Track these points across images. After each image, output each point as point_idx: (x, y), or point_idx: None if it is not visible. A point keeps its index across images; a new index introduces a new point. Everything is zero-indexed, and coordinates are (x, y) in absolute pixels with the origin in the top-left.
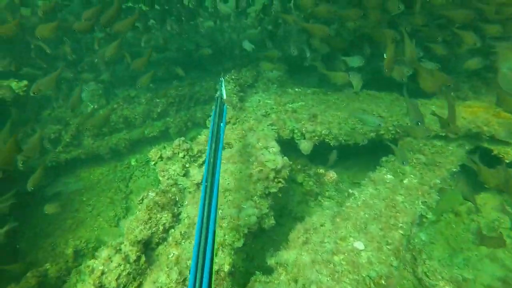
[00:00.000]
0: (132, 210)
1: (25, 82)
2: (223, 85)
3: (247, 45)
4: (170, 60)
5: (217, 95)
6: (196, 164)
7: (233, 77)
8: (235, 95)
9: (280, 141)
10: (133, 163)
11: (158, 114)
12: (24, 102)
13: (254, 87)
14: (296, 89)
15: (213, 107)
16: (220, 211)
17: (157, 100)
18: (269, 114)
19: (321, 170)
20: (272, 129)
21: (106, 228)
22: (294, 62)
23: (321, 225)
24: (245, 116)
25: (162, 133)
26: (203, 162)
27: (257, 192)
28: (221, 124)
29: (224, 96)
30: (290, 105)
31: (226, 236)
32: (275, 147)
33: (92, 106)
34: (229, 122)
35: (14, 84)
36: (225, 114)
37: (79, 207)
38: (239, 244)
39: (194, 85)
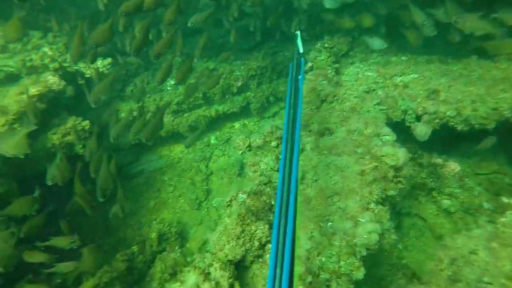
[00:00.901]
0: (212, 193)
1: (109, 60)
2: (299, 38)
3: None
4: (247, 28)
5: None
6: None
7: (326, 45)
8: (329, 67)
9: (389, 124)
10: (212, 141)
11: (238, 88)
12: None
13: (349, 56)
14: (403, 57)
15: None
16: (329, 223)
17: (237, 73)
18: (373, 90)
19: (437, 159)
20: (381, 109)
21: (188, 211)
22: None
23: (471, 252)
24: (344, 94)
25: (243, 108)
26: (301, 151)
27: (373, 197)
28: (299, 77)
29: (301, 50)
30: (399, 78)
31: (341, 261)
32: (389, 135)
33: (171, 82)
34: (325, 100)
35: (99, 62)
36: (303, 67)
37: (161, 187)
38: (359, 274)
39: (276, 55)
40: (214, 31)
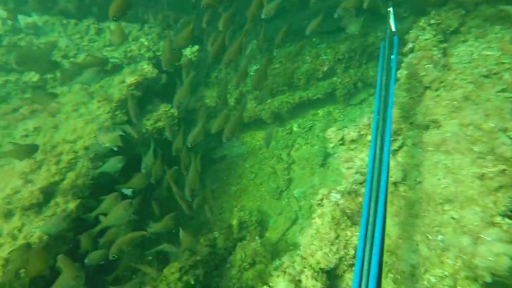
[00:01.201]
0: (294, 183)
1: (196, 47)
2: (391, 15)
3: None
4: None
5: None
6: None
7: (432, 21)
8: (435, 48)
9: None
10: (295, 129)
11: (323, 73)
12: (196, 66)
13: (460, 32)
14: None
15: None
16: (440, 236)
17: (324, 57)
18: (496, 73)
19: None
20: (507, 98)
21: (268, 200)
22: None
23: None
24: (454, 79)
25: (328, 95)
26: (400, 147)
27: (499, 209)
28: (392, 56)
29: (393, 28)
30: None
31: (457, 286)
32: None
33: (255, 67)
34: (429, 87)
35: (188, 50)
36: (396, 46)
37: (243, 173)
38: None
39: (367, 36)
40: (297, 13)
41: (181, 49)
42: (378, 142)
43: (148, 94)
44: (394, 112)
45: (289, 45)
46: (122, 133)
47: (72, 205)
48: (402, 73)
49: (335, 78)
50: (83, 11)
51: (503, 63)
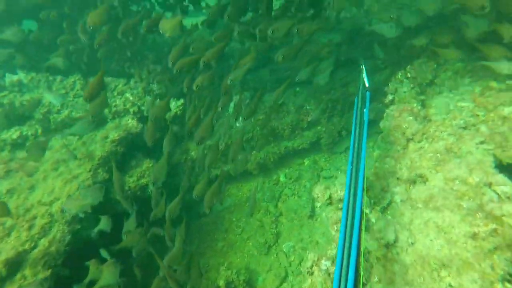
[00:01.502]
0: (282, 236)
1: (181, 101)
2: (364, 71)
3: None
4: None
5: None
6: (378, 208)
7: (408, 75)
8: (414, 100)
9: (500, 168)
10: (282, 179)
11: (308, 123)
12: (180, 120)
13: (435, 84)
14: (509, 81)
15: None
16: None
17: (308, 108)
18: (473, 125)
19: None
20: (486, 150)
21: (256, 256)
22: None
23: None
24: (435, 131)
25: (313, 144)
26: (389, 204)
27: (497, 273)
28: (365, 110)
29: (367, 83)
30: (507, 109)
31: None
32: (507, 186)
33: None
34: (412, 139)
35: (172, 104)
36: (369, 100)
37: (229, 227)
38: None
39: (348, 86)
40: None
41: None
42: (352, 193)
43: (131, 149)
44: (380, 167)
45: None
46: (93, 201)
47: (41, 277)
48: (385, 125)
49: (320, 127)
50: (71, 67)
51: (477, 115)
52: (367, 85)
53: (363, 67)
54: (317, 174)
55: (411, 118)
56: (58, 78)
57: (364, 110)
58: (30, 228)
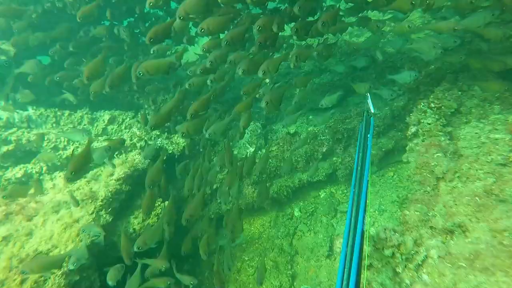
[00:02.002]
0: (298, 278)
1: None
2: (369, 99)
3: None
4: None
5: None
6: (412, 266)
7: (432, 104)
8: (441, 133)
9: None
10: (296, 214)
11: (323, 154)
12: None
13: (461, 113)
14: None
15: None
16: None
17: (322, 138)
18: (507, 163)
19: None
20: None
21: None
22: None
23: None
24: (469, 168)
25: (329, 176)
26: (424, 261)
27: None
28: (368, 135)
29: (372, 109)
30: None
31: None
32: None
33: (251, 149)
34: (443, 178)
35: (181, 141)
36: (373, 125)
37: (241, 268)
38: None
39: (364, 114)
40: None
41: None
42: (353, 217)
43: (137, 186)
44: (410, 214)
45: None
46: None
47: None
48: (411, 163)
49: (335, 158)
50: (80, 102)
51: None
52: (372, 110)
53: (368, 95)
54: (334, 208)
55: (440, 154)
56: (66, 113)
57: (368, 136)
58: (22, 282)
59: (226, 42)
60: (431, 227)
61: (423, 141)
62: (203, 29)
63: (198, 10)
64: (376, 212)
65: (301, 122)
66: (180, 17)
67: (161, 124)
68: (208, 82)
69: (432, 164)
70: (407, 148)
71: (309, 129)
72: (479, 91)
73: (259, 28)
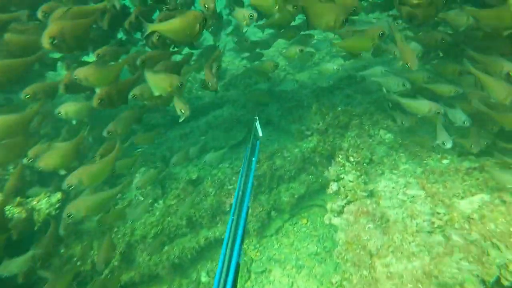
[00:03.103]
0: None
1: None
2: (257, 124)
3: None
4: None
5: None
6: None
7: (351, 158)
8: (365, 194)
9: None
10: (203, 279)
11: (230, 205)
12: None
13: (373, 162)
14: (444, 161)
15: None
16: None
17: (229, 187)
18: (439, 228)
19: None
20: (470, 271)
21: None
22: None
23: None
24: (401, 240)
25: None
26: None
27: None
28: (253, 158)
29: (260, 134)
30: (463, 203)
31: None
32: None
33: (144, 201)
34: (377, 254)
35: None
36: (258, 149)
37: None
38: None
39: (273, 157)
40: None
41: None
42: (229, 245)
43: None
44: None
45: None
46: None
47: None
48: (339, 238)
49: None
50: None
51: (437, 213)
52: (260, 134)
53: (257, 118)
54: (247, 268)
55: (370, 225)
56: None
57: (253, 159)
58: None
59: None
60: None
61: (347, 203)
62: None
63: None
64: (294, 269)
65: (204, 164)
66: None
67: None
68: None
69: (364, 238)
70: (328, 207)
71: (212, 173)
72: (384, 136)
73: None
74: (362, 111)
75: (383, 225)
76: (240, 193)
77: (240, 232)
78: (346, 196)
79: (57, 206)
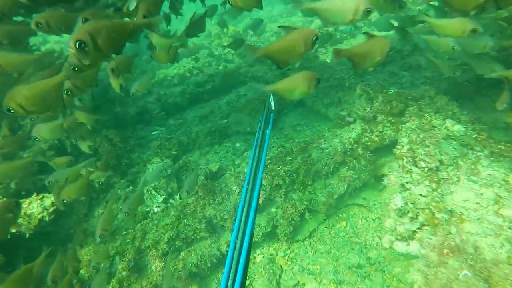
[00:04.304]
0: None
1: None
2: (271, 95)
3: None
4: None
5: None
6: None
7: (422, 163)
8: (444, 215)
9: None
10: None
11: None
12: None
13: (443, 164)
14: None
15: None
16: None
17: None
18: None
19: None
20: None
21: None
22: None
23: None
24: None
25: (267, 235)
26: None
27: None
28: (267, 131)
29: (273, 106)
30: None
31: None
32: None
33: (159, 198)
34: None
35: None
36: (271, 122)
37: None
38: None
39: (307, 148)
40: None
41: None
42: (245, 212)
43: None
44: None
45: (209, 150)
46: None
47: None
48: (413, 280)
49: (274, 209)
50: None
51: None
52: (273, 107)
53: (271, 94)
54: (276, 281)
55: (468, 273)
56: None
57: (267, 131)
58: None
59: None
60: None
61: (420, 228)
62: None
63: None
64: (332, 285)
65: (226, 152)
66: None
67: None
68: None
69: None
70: (387, 225)
71: (236, 163)
72: (451, 128)
73: None
74: (420, 95)
75: (482, 273)
76: (254, 163)
77: (254, 202)
78: (417, 216)
79: (51, 210)
